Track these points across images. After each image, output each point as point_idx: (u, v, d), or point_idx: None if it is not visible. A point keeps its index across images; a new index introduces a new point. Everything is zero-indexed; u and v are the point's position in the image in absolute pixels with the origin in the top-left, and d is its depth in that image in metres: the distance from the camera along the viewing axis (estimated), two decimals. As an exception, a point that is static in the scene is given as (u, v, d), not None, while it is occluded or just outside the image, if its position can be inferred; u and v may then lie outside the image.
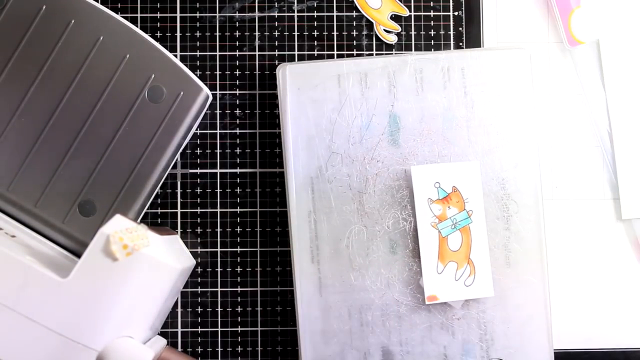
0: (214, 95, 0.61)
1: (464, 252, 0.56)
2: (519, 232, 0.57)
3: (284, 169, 0.57)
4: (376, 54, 0.61)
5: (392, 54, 0.61)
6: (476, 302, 0.57)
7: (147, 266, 0.50)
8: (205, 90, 0.57)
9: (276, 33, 0.61)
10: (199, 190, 0.61)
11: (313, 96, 0.57)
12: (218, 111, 0.61)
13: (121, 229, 0.49)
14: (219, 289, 0.61)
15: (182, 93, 0.56)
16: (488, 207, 0.57)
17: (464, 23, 0.62)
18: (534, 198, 0.57)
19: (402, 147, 0.57)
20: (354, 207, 0.57)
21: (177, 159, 0.60)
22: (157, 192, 0.60)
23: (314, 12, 0.61)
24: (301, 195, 0.57)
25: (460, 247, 0.56)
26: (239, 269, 0.61)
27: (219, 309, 0.61)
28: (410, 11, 0.61)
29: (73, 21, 0.56)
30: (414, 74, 0.57)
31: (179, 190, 0.61)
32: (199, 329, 0.61)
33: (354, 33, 0.61)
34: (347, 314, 0.57)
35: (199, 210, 0.61)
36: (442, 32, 0.61)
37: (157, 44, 0.56)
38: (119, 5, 0.61)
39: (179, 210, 0.61)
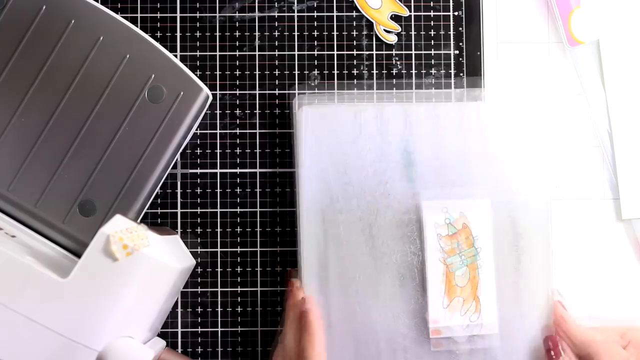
0: (214, 95, 0.61)
1: (471, 288, 0.56)
2: (528, 270, 0.57)
3: (295, 199, 0.57)
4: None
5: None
6: (481, 338, 0.57)
7: (147, 266, 0.50)
8: (205, 90, 0.57)
9: (276, 33, 0.61)
10: (199, 190, 0.61)
11: (329, 129, 0.57)
12: (218, 111, 0.61)
13: (121, 229, 0.49)
14: (219, 289, 0.61)
15: (182, 93, 0.56)
16: (498, 244, 0.57)
17: (464, 23, 0.62)
18: (544, 236, 0.57)
19: (414, 182, 0.57)
20: (363, 239, 0.57)
21: (177, 159, 0.60)
22: (157, 192, 0.60)
23: (314, 12, 0.61)
24: (312, 225, 0.57)
25: (467, 283, 0.56)
26: (239, 269, 0.61)
27: (219, 309, 0.61)
28: (410, 11, 0.61)
29: (73, 21, 0.56)
30: (430, 112, 0.57)
31: (179, 190, 0.61)
32: (199, 329, 0.61)
33: (354, 33, 0.61)
34: (353, 345, 0.56)
35: (199, 210, 0.61)
36: (442, 32, 0.61)
37: (157, 44, 0.56)
38: (119, 5, 0.61)
39: (179, 210, 0.61)
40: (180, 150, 0.58)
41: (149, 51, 0.56)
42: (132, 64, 0.56)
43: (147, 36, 0.56)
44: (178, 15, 0.61)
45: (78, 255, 0.54)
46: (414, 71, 0.61)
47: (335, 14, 0.61)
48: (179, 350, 0.60)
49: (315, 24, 0.61)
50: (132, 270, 0.49)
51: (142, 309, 0.52)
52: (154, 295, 0.52)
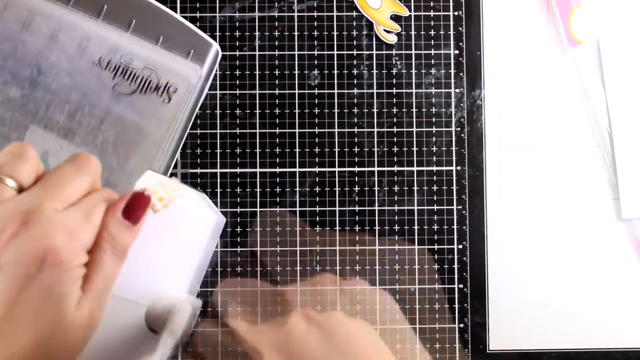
0: (214, 95, 0.61)
1: None
2: None
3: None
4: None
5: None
6: None
7: (184, 216, 0.51)
8: (215, 45, 0.59)
9: (276, 33, 0.61)
10: (198, 191, 0.61)
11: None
12: (218, 111, 0.61)
13: (154, 183, 0.49)
14: (219, 289, 0.61)
15: (192, 50, 0.58)
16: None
17: (464, 23, 0.62)
18: None
19: None
20: None
21: (177, 159, 0.60)
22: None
23: (314, 12, 0.61)
24: None
25: None
26: (239, 269, 0.61)
27: (219, 309, 0.61)
28: (410, 11, 0.61)
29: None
30: None
31: (179, 190, 0.61)
32: (199, 329, 0.60)
33: (354, 33, 0.61)
34: None
35: (199, 210, 0.61)
36: (442, 32, 0.62)
37: (162, 6, 0.58)
38: (119, 5, 0.61)
39: (179, 210, 0.61)
40: (196, 111, 0.60)
41: (154, 14, 0.58)
42: (138, 28, 0.57)
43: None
44: (178, 15, 0.61)
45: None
46: (414, 71, 0.61)
47: (335, 14, 0.61)
48: (179, 350, 0.60)
49: (315, 24, 0.61)
50: (171, 221, 0.50)
51: (182, 261, 0.53)
52: (193, 246, 0.54)
